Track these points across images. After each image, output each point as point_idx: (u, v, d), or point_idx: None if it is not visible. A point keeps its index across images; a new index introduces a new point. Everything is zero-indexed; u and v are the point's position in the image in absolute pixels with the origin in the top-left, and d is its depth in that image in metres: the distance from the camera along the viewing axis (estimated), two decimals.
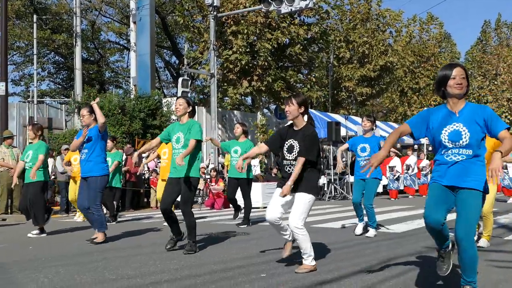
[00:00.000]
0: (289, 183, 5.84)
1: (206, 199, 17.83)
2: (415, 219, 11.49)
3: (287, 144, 6.08)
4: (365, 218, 9.23)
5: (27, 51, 36.09)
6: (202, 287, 5.23)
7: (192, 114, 7.82)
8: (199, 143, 7.57)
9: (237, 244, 8.41)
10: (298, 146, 5.98)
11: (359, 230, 9.24)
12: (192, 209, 7.70)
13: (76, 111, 23.17)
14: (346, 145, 9.56)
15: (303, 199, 5.92)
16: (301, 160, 5.86)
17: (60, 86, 41.37)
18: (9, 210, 14.05)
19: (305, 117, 6.18)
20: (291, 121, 6.23)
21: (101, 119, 8.67)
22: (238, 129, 11.20)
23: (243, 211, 11.15)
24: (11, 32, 30.40)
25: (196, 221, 7.80)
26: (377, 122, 27.75)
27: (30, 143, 10.48)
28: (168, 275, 5.89)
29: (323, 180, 22.06)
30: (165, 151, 11.41)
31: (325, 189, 21.43)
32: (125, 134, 21.14)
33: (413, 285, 5.15)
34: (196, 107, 8.03)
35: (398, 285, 5.18)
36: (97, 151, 8.78)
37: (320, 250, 7.48)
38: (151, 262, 6.71)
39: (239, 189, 11.15)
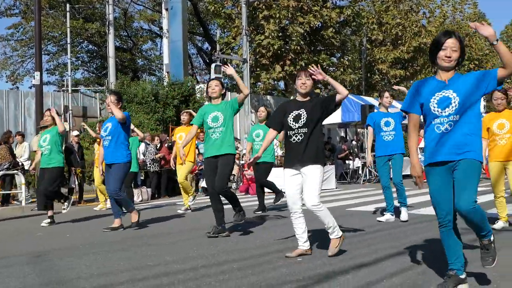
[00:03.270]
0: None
1: (241, 184, 17.88)
2: None
3: (292, 114, 5.97)
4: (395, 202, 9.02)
5: (60, 41, 36.44)
6: (239, 272, 5.25)
7: (224, 96, 7.98)
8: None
9: (272, 229, 8.42)
10: (305, 114, 5.90)
11: (383, 218, 8.85)
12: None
13: None
14: (371, 131, 9.17)
15: (313, 173, 5.83)
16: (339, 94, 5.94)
17: (94, 75, 41.73)
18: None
19: None
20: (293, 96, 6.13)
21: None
22: (262, 113, 10.75)
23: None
24: (44, 22, 30.73)
25: (230, 207, 7.85)
26: None
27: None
28: (205, 260, 5.92)
29: (357, 163, 21.95)
30: (182, 135, 11.34)
31: (360, 172, 21.31)
32: (159, 122, 21.27)
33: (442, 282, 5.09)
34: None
35: (436, 266, 5.13)
36: (121, 138, 8.86)
37: (356, 234, 7.47)
38: (188, 248, 6.76)
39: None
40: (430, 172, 4.37)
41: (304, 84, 6.00)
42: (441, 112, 4.25)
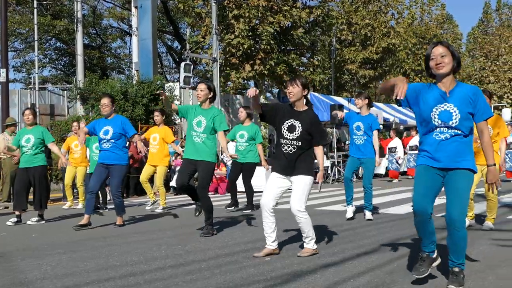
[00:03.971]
0: (320, 173, 6.09)
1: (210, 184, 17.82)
2: None
3: (287, 123, 5.98)
4: (361, 202, 9.19)
5: (28, 38, 35.92)
6: (207, 272, 5.22)
7: (213, 99, 7.95)
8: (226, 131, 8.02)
9: (241, 229, 8.41)
10: (300, 127, 5.93)
11: (349, 214, 9.07)
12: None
13: (78, 97, 23.06)
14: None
15: (303, 181, 5.93)
16: (321, 148, 6.08)
17: (61, 72, 41.19)
18: (11, 198, 13.96)
19: (304, 101, 6.16)
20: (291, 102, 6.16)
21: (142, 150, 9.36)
22: (242, 113, 10.99)
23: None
24: (11, 18, 30.25)
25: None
26: (380, 104, 27.83)
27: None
28: (172, 260, 5.89)
29: (326, 163, 22.03)
30: (155, 136, 11.28)
31: (329, 171, 21.39)
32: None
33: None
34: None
35: (402, 266, 5.18)
36: (123, 141, 9.13)
37: (325, 233, 7.48)
38: (156, 248, 6.71)
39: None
40: (423, 171, 4.52)
41: (290, 93, 6.01)
42: (441, 124, 4.40)
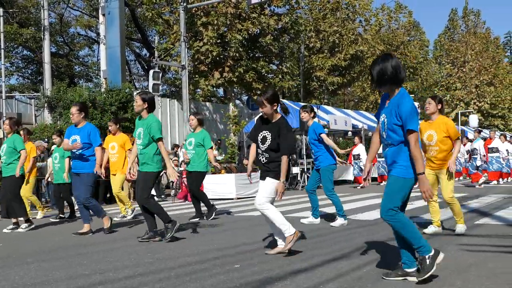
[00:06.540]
0: (282, 179, 6.20)
1: (179, 191, 17.76)
2: None
3: (261, 135, 6.36)
4: (333, 209, 9.31)
5: None
6: (177, 280, 5.22)
7: (150, 109, 8.00)
8: (159, 139, 7.87)
9: (210, 236, 8.40)
10: (270, 138, 6.26)
11: (306, 220, 9.41)
12: (159, 201, 7.82)
13: (45, 105, 22.84)
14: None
15: (269, 182, 6.24)
16: (284, 158, 6.20)
17: (29, 81, 40.78)
18: None
19: (278, 108, 6.49)
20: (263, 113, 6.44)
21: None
22: (192, 121, 10.70)
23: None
24: None
25: (170, 213, 7.82)
26: (348, 111, 28.06)
27: None
28: (142, 268, 5.87)
29: (296, 169, 22.11)
30: (114, 145, 11.21)
31: (298, 178, 21.47)
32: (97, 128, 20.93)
33: (386, 271, 5.19)
34: (155, 101, 8.35)
35: (371, 271, 5.23)
36: (91, 150, 9.10)
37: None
38: (125, 256, 6.68)
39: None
40: None
41: (263, 112, 6.37)
42: (383, 134, 4.75)
